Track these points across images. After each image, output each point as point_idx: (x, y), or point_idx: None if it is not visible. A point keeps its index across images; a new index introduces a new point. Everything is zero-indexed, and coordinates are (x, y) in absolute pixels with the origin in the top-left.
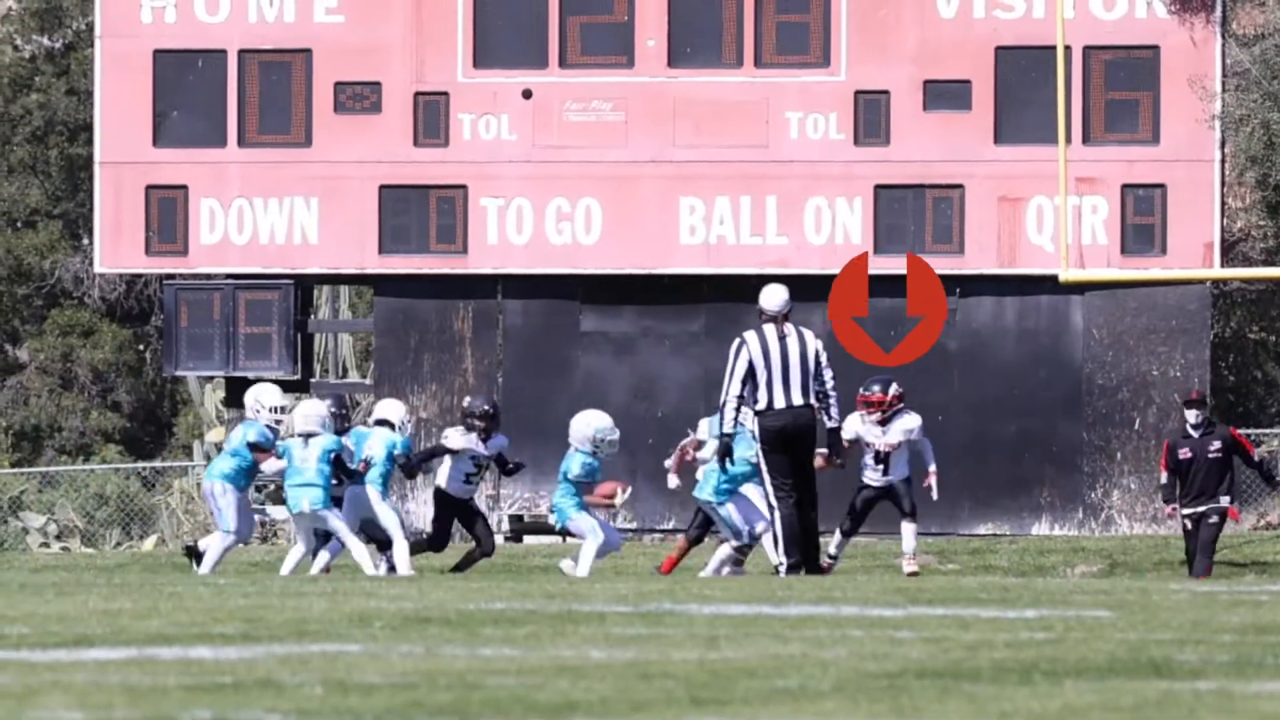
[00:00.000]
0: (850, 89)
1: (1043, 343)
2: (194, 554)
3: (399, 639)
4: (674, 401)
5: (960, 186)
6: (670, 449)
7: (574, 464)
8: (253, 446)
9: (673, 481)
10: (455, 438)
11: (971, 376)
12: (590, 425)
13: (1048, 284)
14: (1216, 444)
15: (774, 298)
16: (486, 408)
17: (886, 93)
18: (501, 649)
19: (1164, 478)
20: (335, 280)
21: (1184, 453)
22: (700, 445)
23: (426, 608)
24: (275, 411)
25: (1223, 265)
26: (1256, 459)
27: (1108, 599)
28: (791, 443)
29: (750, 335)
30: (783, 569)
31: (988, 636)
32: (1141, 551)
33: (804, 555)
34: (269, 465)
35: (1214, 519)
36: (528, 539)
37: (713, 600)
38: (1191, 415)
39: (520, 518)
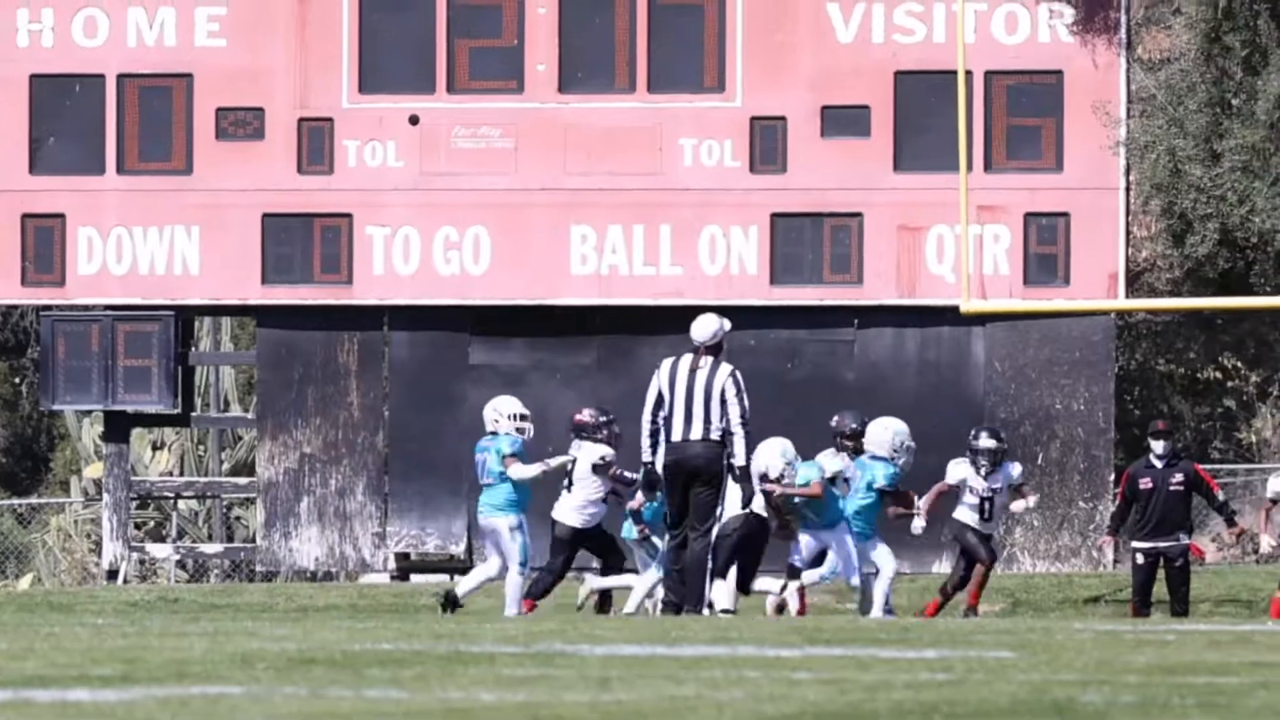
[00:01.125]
0: (746, 115)
1: (943, 375)
2: (451, 602)
3: (282, 680)
4: (565, 435)
5: (859, 215)
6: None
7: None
8: (510, 458)
9: (918, 526)
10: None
11: (870, 409)
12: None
13: (948, 315)
14: (1179, 477)
15: (697, 328)
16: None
17: (783, 119)
18: (388, 691)
19: (1114, 507)
20: (217, 311)
21: (1145, 483)
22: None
23: (311, 648)
24: (516, 419)
25: (1127, 296)
26: (1221, 499)
27: (1010, 639)
28: (682, 478)
29: (665, 364)
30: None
31: (887, 677)
32: (1045, 590)
33: (681, 595)
34: (518, 471)
35: (1179, 562)
36: (415, 577)
37: (605, 640)
38: (1158, 446)
39: (407, 555)
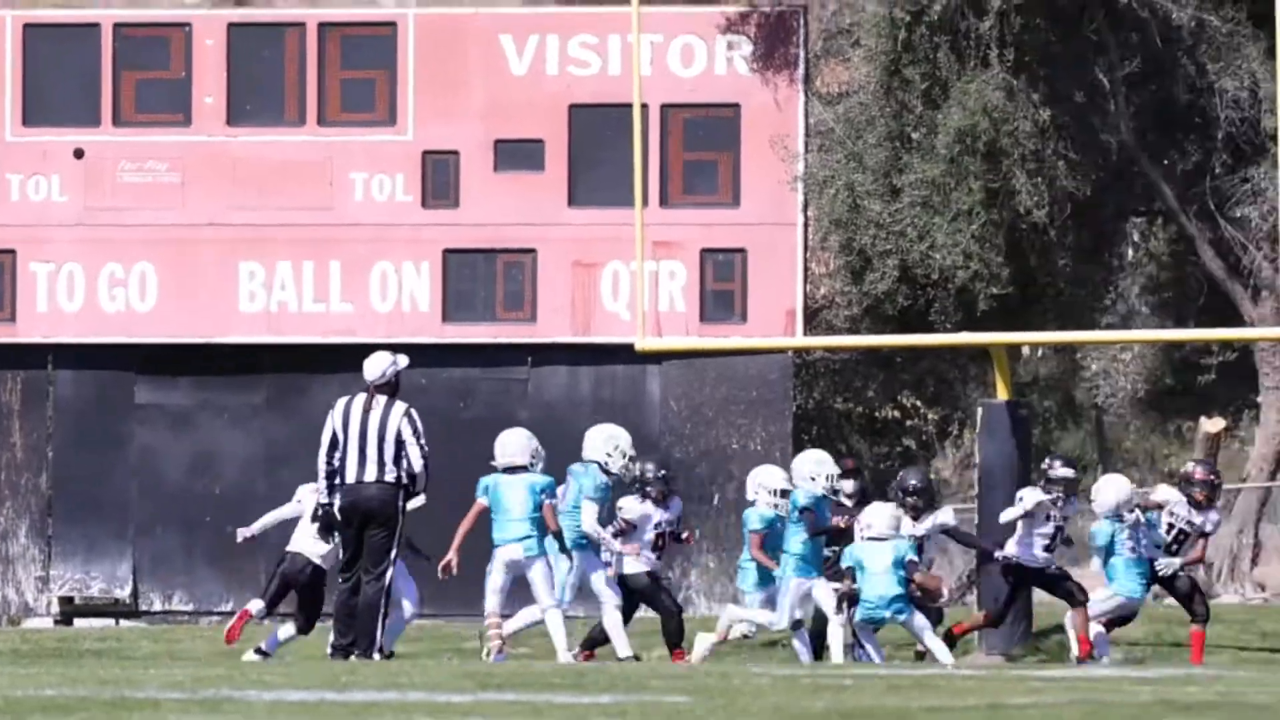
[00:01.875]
0: (418, 149)
1: (618, 414)
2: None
3: None
4: (233, 477)
5: (533, 251)
6: (231, 526)
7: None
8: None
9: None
10: (632, 508)
11: (544, 449)
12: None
13: (623, 353)
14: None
15: (369, 366)
16: (662, 471)
17: (455, 153)
18: None
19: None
20: None
21: (835, 523)
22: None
23: None
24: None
25: (805, 333)
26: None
27: (686, 683)
28: (357, 520)
29: (340, 404)
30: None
31: None
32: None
33: (351, 638)
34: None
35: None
36: (79, 622)
37: (273, 686)
38: (846, 485)
39: (71, 599)
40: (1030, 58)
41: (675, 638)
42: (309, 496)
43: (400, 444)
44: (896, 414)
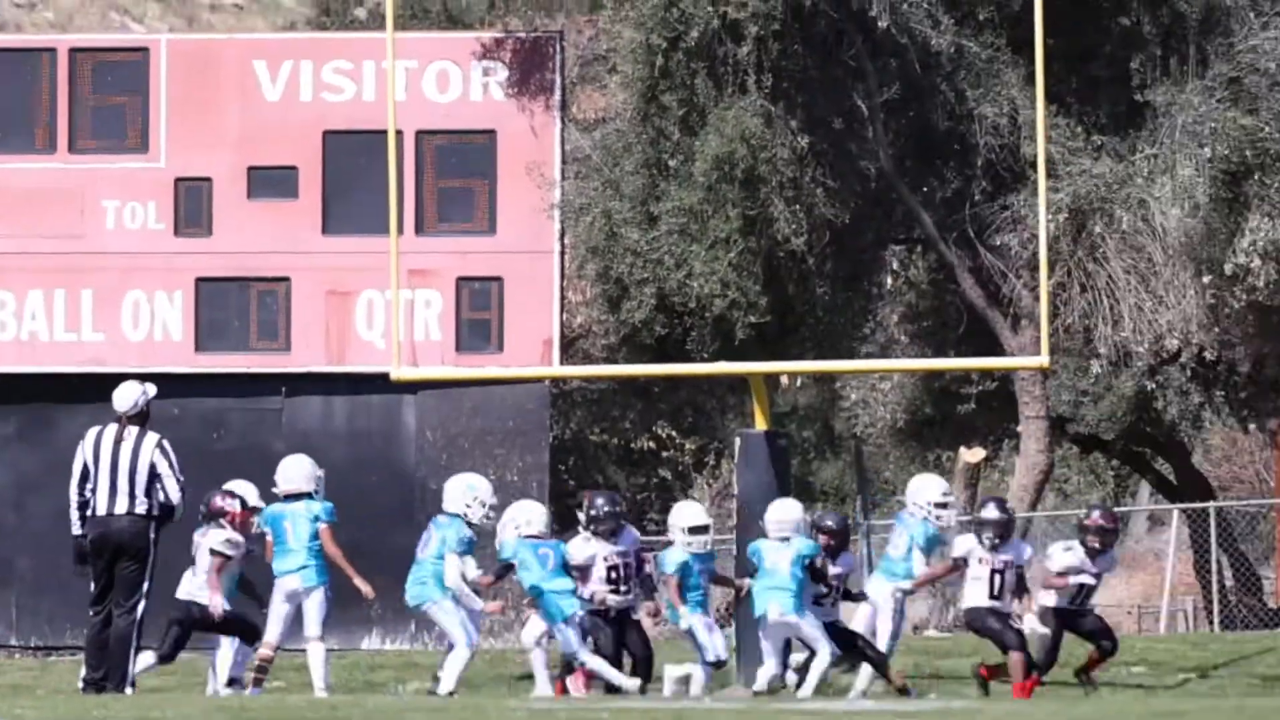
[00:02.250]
0: (170, 176)
1: (374, 445)
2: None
3: None
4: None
5: (286, 279)
6: None
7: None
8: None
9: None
10: (579, 549)
11: None
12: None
13: (379, 382)
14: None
15: (119, 396)
16: (609, 505)
17: (208, 180)
18: None
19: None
20: None
21: None
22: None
23: None
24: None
25: (562, 362)
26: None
27: (442, 716)
28: (108, 553)
29: (90, 434)
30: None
31: None
32: (478, 667)
33: (103, 671)
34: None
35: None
36: None
37: None
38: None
39: None
40: (788, 84)
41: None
42: (201, 542)
43: (153, 475)
44: (653, 444)
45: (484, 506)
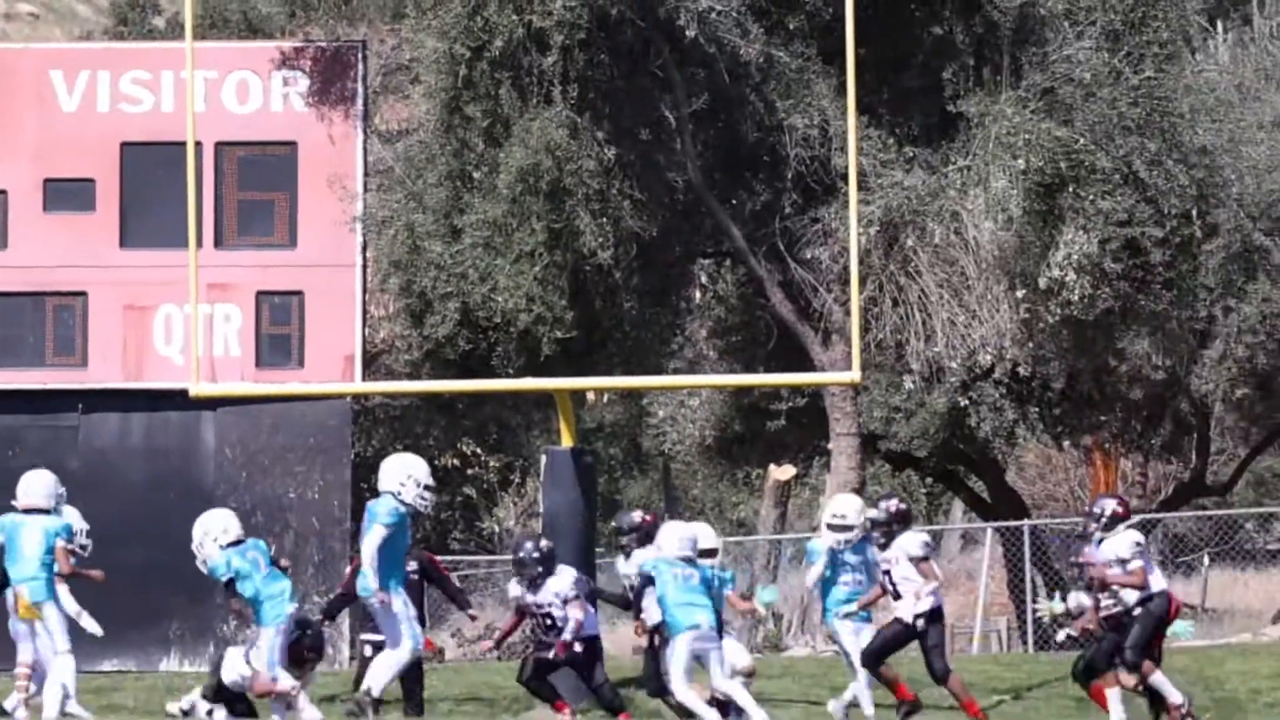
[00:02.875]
0: None
1: (173, 463)
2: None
3: None
4: None
5: (83, 294)
6: None
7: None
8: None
9: None
10: (512, 589)
11: (95, 500)
12: None
13: (178, 399)
14: (412, 565)
15: None
16: (535, 553)
17: (4, 193)
18: None
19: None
20: None
21: None
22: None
23: None
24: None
25: (365, 378)
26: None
27: None
28: None
29: None
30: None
31: None
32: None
33: None
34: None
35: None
36: None
37: None
38: None
39: None
40: (594, 95)
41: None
42: None
43: None
44: (457, 462)
45: (418, 485)
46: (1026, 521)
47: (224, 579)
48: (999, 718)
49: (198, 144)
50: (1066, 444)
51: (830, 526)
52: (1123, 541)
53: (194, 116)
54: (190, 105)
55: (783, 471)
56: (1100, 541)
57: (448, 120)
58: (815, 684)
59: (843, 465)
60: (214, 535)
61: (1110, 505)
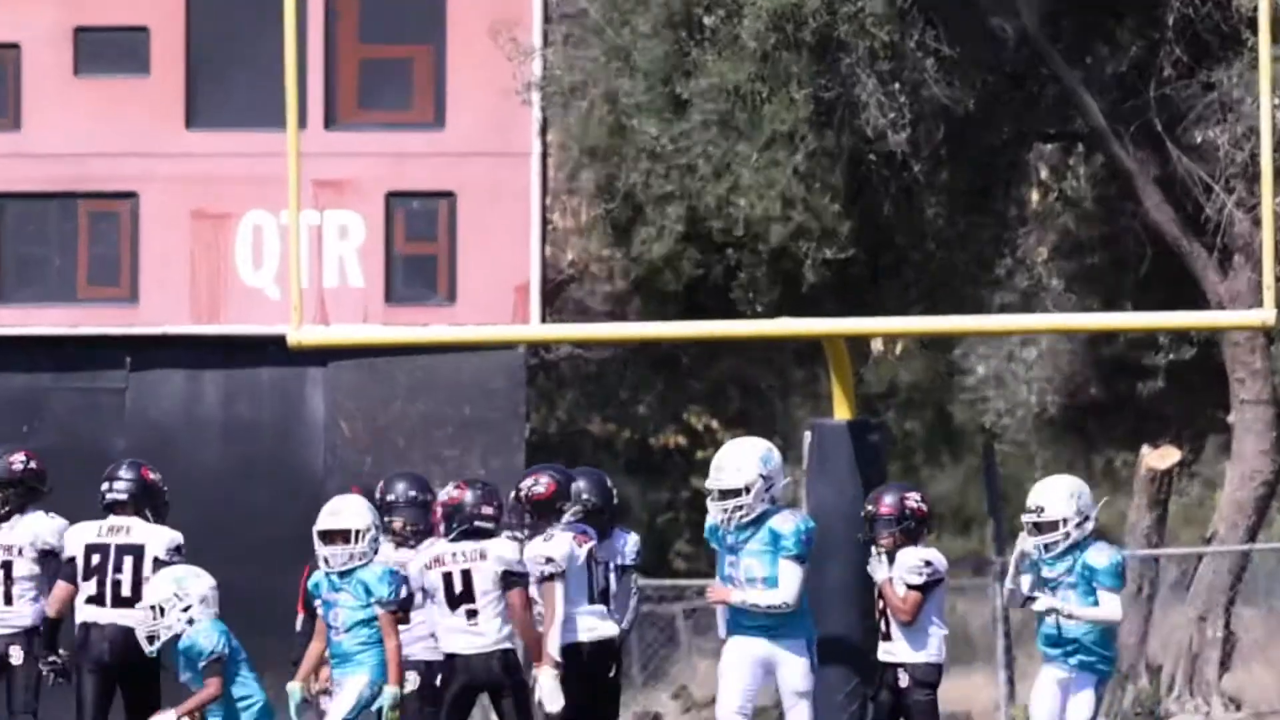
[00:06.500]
0: None
1: (264, 442)
2: None
3: None
4: None
5: (133, 195)
6: None
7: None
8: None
9: None
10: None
11: None
12: None
13: (271, 349)
14: None
15: None
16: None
17: (14, 46)
18: None
19: None
20: None
21: None
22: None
23: None
24: None
25: (545, 319)
26: None
27: None
28: None
29: None
30: None
31: None
32: None
33: None
34: None
35: None
36: None
37: None
38: None
39: None
40: None
41: None
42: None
43: None
44: (682, 441)
45: None
46: None
47: (213, 656)
48: None
49: None
50: None
51: None
52: None
53: None
54: None
55: (1162, 456)
56: None
57: None
58: None
59: (1249, 449)
60: (203, 596)
61: None
